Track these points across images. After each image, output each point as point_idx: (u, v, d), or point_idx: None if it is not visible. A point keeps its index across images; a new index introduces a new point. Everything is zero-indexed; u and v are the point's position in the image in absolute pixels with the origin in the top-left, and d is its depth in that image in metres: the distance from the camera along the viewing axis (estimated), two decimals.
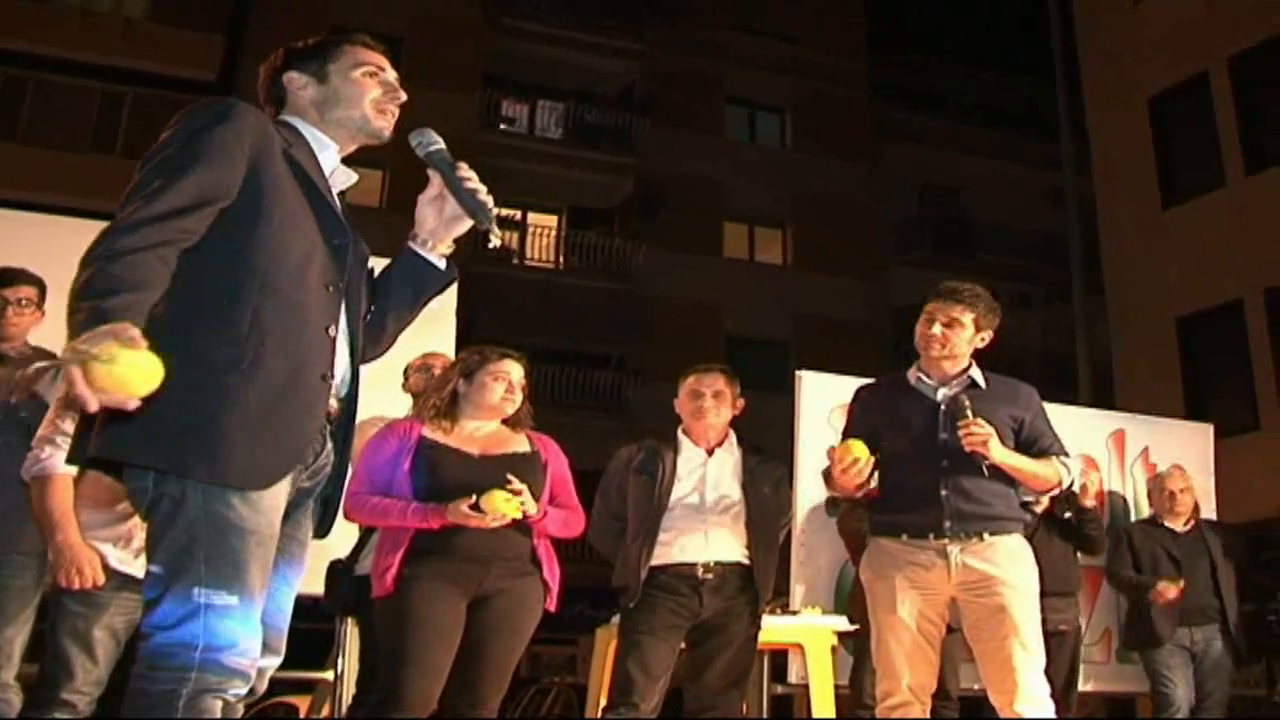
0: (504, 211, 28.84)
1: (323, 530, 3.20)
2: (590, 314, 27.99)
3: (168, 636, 2.66)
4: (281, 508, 2.89)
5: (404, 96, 3.26)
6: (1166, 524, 8.24)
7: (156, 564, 2.73)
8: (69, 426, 4.69)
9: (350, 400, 3.13)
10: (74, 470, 4.65)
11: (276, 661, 2.99)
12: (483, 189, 3.21)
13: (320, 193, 3.06)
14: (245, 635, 2.73)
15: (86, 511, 4.67)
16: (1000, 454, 5.05)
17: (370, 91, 3.20)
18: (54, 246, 6.62)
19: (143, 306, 2.56)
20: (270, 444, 2.81)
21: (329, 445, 3.09)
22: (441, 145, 3.24)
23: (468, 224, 3.25)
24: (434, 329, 6.86)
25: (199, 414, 2.67)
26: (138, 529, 4.72)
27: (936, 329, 5.30)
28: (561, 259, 29.41)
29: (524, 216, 29.27)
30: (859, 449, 5.08)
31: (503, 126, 29.25)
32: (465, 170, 3.21)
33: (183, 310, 2.74)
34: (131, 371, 2.40)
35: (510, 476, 4.92)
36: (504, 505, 4.83)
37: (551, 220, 29.92)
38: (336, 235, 3.06)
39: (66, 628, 4.64)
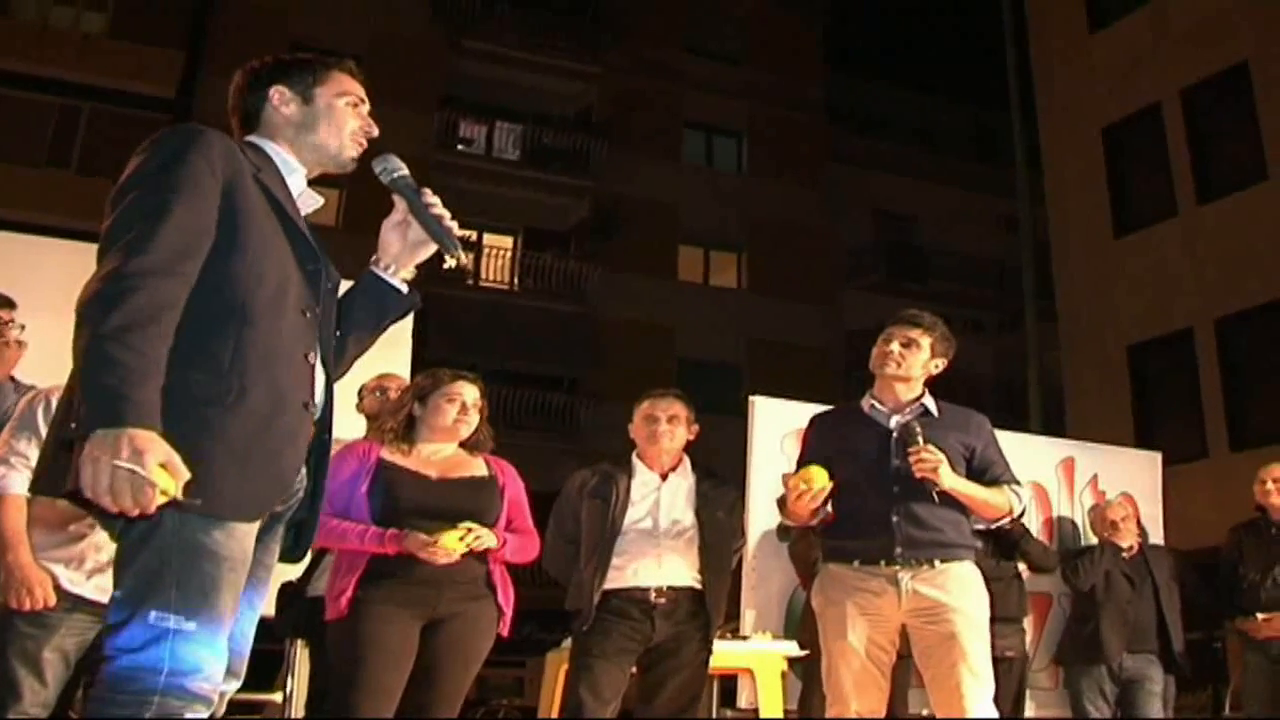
0: (460, 232, 28.79)
1: (297, 554, 3.19)
2: (544, 335, 28.01)
3: (132, 660, 2.64)
4: (254, 533, 2.88)
5: (375, 131, 3.27)
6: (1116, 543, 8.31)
7: (126, 586, 2.70)
8: (23, 447, 4.68)
9: (324, 425, 3.12)
10: (27, 491, 4.64)
11: (236, 685, 2.99)
12: (447, 214, 3.24)
13: (291, 218, 3.04)
14: (211, 660, 2.72)
15: (38, 532, 4.64)
16: (951, 481, 5.07)
17: (350, 122, 3.22)
18: (9, 262, 6.65)
19: (156, 393, 2.59)
20: (257, 474, 2.81)
21: (302, 470, 3.07)
22: (406, 171, 3.26)
23: (431, 249, 3.28)
24: (389, 350, 6.84)
25: (185, 446, 2.62)
26: (90, 550, 4.71)
27: (894, 347, 5.36)
28: (516, 280, 29.41)
29: (479, 237, 29.23)
30: (818, 475, 5.10)
31: (460, 147, 29.29)
32: (430, 196, 3.24)
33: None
34: (169, 493, 2.55)
35: (469, 525, 4.92)
36: (456, 545, 4.85)
37: (507, 241, 29.90)
38: (309, 260, 3.06)
39: (16, 649, 4.61)
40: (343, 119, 3.21)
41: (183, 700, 2.66)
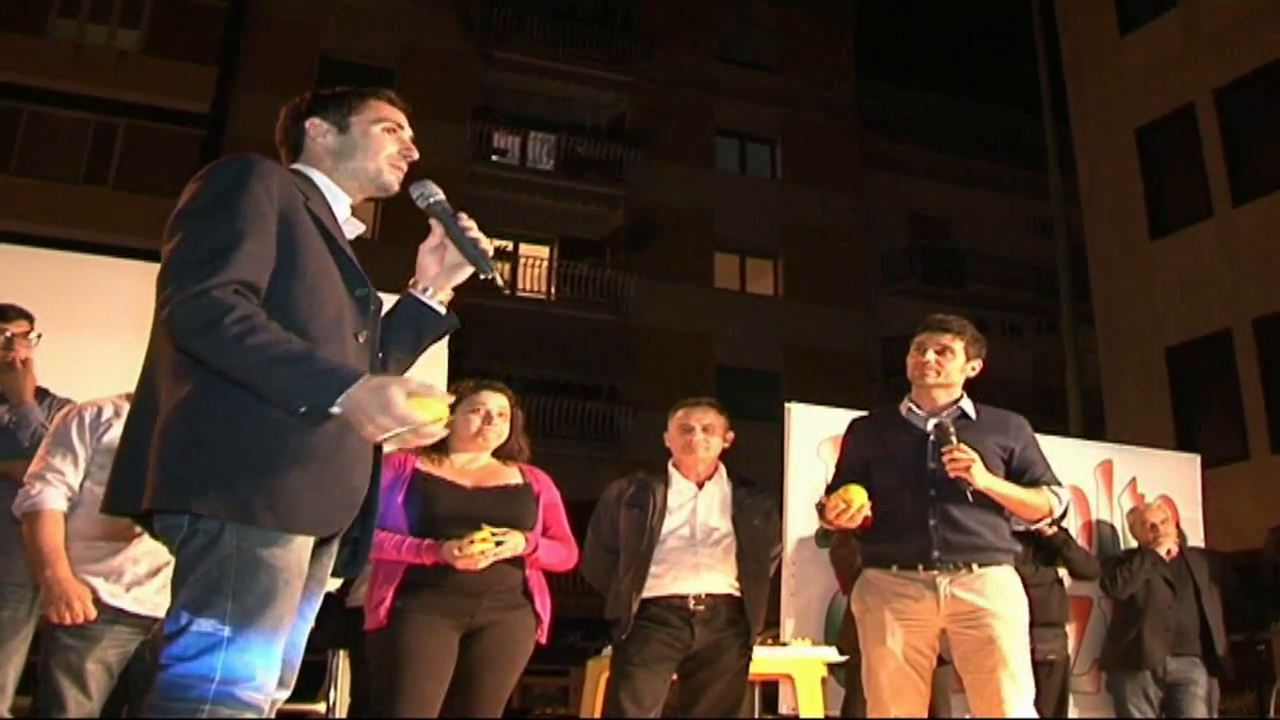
0: (496, 242, 28.79)
1: (353, 568, 3.23)
2: (582, 344, 28.02)
3: (185, 668, 2.69)
4: (310, 545, 2.94)
5: (416, 154, 3.34)
6: (1155, 549, 8.27)
7: (183, 596, 2.75)
8: (59, 464, 4.73)
9: (377, 445, 3.15)
10: (64, 506, 4.67)
11: (286, 694, 3.03)
12: (483, 237, 3.31)
13: (339, 244, 3.11)
14: (263, 669, 2.77)
15: (77, 546, 4.68)
16: (985, 480, 5.06)
17: (387, 147, 3.28)
18: (46, 280, 6.70)
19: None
20: (330, 492, 2.89)
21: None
22: (442, 196, 3.33)
23: (468, 271, 3.35)
24: (425, 361, 6.82)
25: (260, 464, 2.72)
26: (128, 563, 4.74)
27: (930, 356, 5.34)
28: (553, 290, 29.42)
29: (516, 247, 29.28)
30: (857, 494, 5.10)
31: (494, 158, 29.28)
32: (466, 220, 3.30)
33: None
34: (443, 410, 2.74)
35: (491, 530, 4.92)
36: (482, 552, 4.86)
37: (543, 251, 29.94)
38: (358, 285, 3.12)
39: (59, 660, 4.64)
40: (379, 145, 3.28)
41: (234, 708, 2.71)
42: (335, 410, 2.67)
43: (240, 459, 2.73)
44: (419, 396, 2.67)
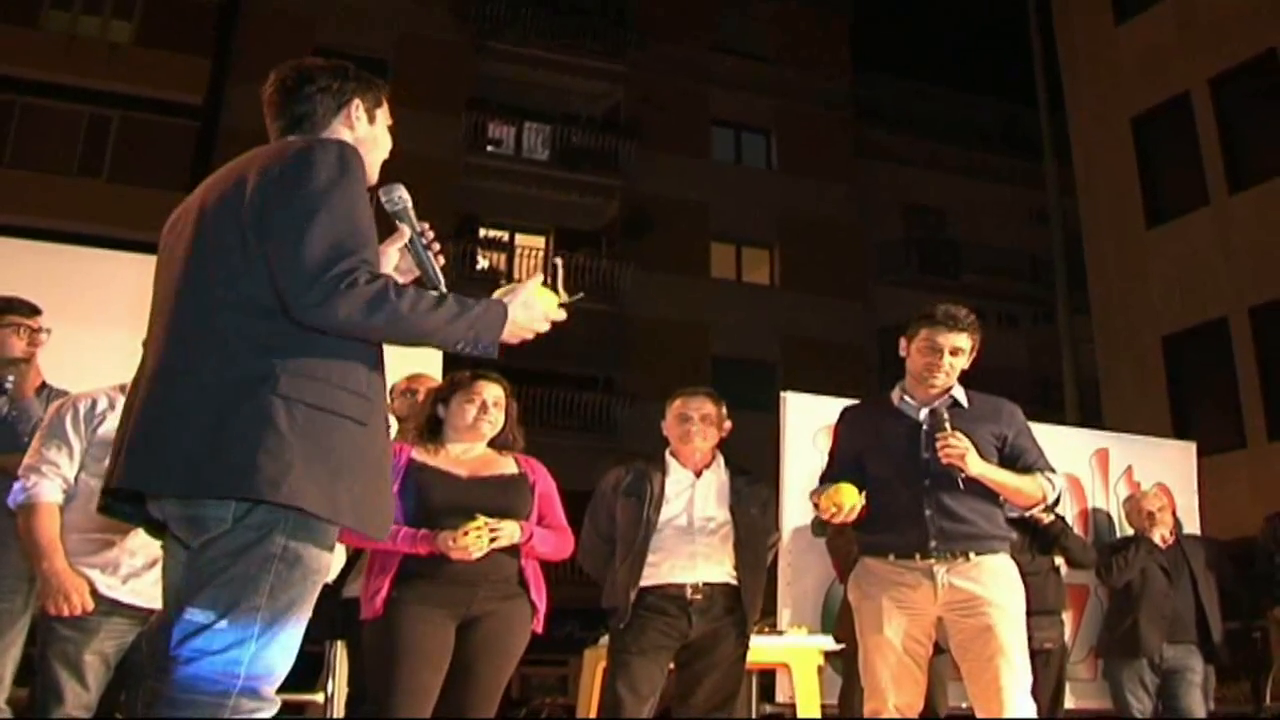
0: (491, 233, 28.87)
1: None
2: (578, 335, 27.87)
3: (212, 662, 2.69)
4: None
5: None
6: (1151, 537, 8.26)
7: (215, 593, 2.74)
8: (53, 455, 4.71)
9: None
10: (60, 498, 4.66)
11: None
12: (436, 247, 3.30)
13: None
14: (282, 663, 2.79)
15: (73, 539, 4.67)
16: (979, 467, 5.05)
17: (388, 147, 3.30)
18: (43, 272, 6.70)
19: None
20: (385, 494, 2.93)
21: None
22: (409, 204, 3.30)
23: (415, 275, 3.33)
24: (422, 351, 6.85)
25: (343, 466, 2.74)
26: (125, 556, 4.73)
27: (946, 360, 5.27)
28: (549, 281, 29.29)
29: (511, 238, 29.30)
30: (848, 494, 5.09)
31: (489, 149, 29.29)
32: (429, 234, 3.29)
33: (315, 362, 2.80)
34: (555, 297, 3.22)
35: (485, 520, 4.92)
36: (476, 543, 4.86)
37: (539, 242, 29.90)
38: None
39: (56, 652, 4.64)
40: (387, 146, 3.29)
41: (255, 702, 2.74)
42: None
43: (328, 458, 2.73)
44: (541, 293, 3.15)
